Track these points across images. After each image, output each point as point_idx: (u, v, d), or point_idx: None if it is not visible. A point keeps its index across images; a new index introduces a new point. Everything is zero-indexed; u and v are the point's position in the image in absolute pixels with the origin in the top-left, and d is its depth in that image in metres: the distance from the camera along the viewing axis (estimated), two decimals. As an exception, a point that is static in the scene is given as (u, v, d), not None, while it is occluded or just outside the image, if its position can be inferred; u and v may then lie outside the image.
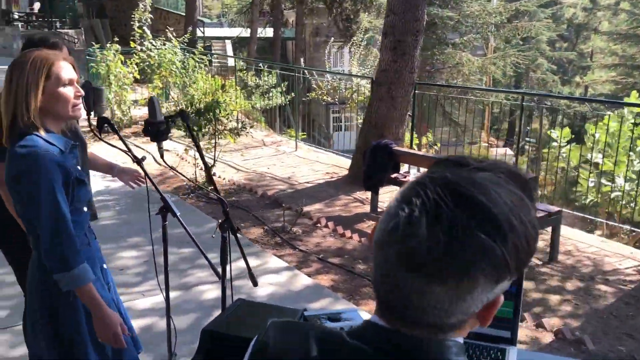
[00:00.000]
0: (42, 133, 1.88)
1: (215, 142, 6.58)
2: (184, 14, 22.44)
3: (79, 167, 2.02)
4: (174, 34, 9.83)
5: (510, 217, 0.72)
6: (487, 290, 0.74)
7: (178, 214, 2.61)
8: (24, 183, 1.82)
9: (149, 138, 2.44)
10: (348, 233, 5.36)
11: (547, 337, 3.61)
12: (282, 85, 12.41)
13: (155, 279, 3.01)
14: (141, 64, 9.51)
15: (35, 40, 2.50)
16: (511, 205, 0.72)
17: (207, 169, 2.76)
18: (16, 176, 1.83)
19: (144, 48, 9.53)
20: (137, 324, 3.01)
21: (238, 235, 2.52)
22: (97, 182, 6.70)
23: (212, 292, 4.01)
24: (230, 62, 17.86)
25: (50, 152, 1.85)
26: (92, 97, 2.46)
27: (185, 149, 7.08)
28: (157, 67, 9.55)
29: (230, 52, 28.76)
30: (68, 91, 1.94)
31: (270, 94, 12.82)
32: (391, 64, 6.95)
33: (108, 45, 9.36)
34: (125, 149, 2.56)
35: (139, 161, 2.57)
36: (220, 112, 6.15)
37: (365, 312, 2.45)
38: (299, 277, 4.33)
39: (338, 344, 0.81)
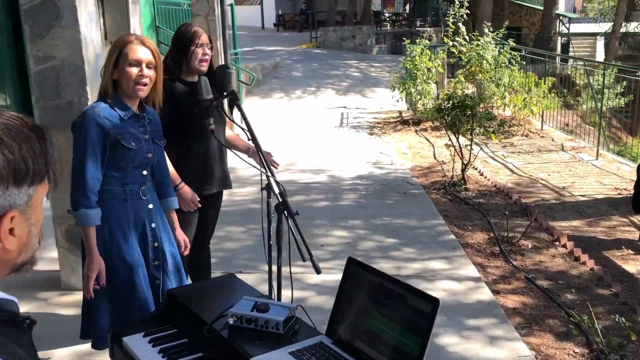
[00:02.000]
0: (112, 99, 2.29)
1: (472, 139, 6.30)
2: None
3: (140, 135, 2.37)
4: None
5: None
6: None
7: (277, 191, 2.66)
8: (74, 133, 2.29)
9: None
10: (584, 257, 4.54)
11: None
12: (619, 85, 10.88)
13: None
14: (449, 59, 9.60)
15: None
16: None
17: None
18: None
19: (455, 44, 9.58)
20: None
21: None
22: (362, 167, 7.19)
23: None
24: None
25: (95, 114, 2.24)
26: (224, 78, 2.76)
27: (446, 144, 6.95)
28: (467, 63, 9.50)
29: (600, 49, 26.17)
30: (132, 70, 2.28)
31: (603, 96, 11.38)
32: None
33: (417, 40, 9.73)
34: (245, 127, 2.81)
35: (254, 138, 2.78)
36: (477, 108, 5.86)
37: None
38: (479, 290, 3.92)
39: None
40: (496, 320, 3.53)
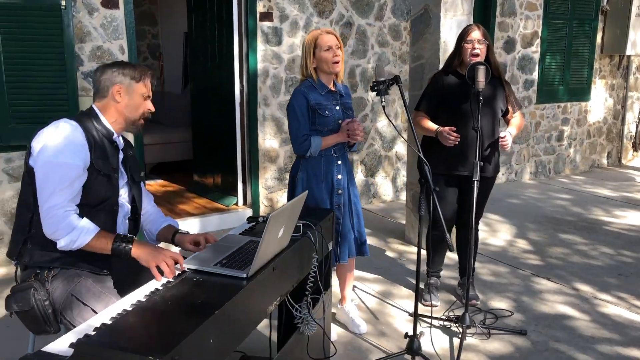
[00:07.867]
0: (315, 80, 3.06)
1: None
2: None
3: (332, 106, 3.06)
4: None
5: None
6: None
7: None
8: (288, 105, 3.11)
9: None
10: None
11: None
12: None
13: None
14: None
15: None
16: None
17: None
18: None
19: None
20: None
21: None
22: None
23: None
24: None
25: (301, 89, 3.03)
26: (472, 71, 3.15)
27: None
28: None
29: None
30: (327, 54, 2.99)
31: None
32: None
33: None
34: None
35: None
36: None
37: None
38: None
39: None
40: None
